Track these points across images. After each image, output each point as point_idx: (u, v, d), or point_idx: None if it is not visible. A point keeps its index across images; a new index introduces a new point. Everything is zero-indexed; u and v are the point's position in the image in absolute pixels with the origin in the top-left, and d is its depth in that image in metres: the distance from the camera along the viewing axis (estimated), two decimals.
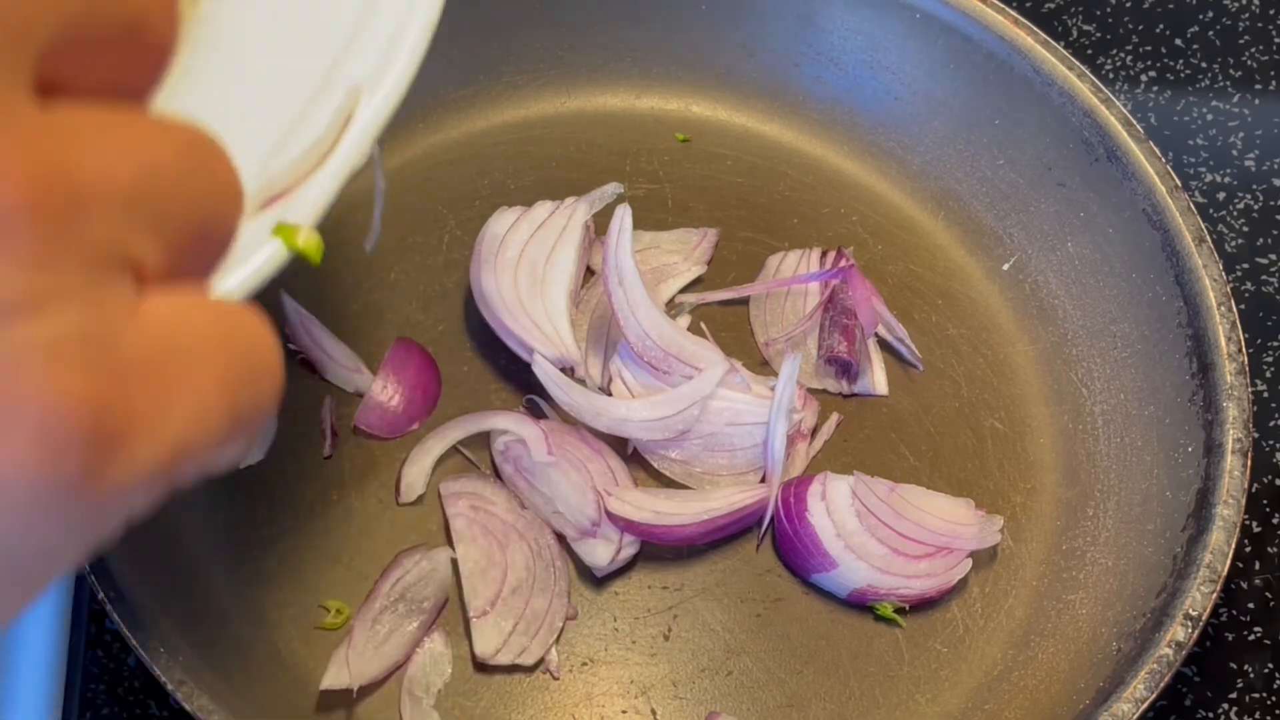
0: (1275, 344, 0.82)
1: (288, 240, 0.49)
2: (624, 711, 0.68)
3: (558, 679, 0.69)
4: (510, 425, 0.73)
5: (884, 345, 0.79)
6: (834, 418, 0.76)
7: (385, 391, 0.75)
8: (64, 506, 0.25)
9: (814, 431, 0.76)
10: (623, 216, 0.74)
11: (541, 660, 0.69)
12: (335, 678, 0.66)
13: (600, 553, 0.71)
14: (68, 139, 0.26)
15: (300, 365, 0.76)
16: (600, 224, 0.79)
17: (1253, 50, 0.93)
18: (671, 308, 0.79)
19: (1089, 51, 0.92)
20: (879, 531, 0.71)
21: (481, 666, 0.69)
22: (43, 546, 0.26)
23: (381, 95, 0.54)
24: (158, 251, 0.28)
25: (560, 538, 0.72)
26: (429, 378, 0.76)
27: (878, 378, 0.78)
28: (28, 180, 0.25)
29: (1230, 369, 0.70)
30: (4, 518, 0.25)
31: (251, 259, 0.49)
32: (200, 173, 0.29)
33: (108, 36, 0.28)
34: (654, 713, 0.69)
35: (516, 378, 0.76)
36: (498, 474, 0.73)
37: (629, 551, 0.71)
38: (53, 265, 0.25)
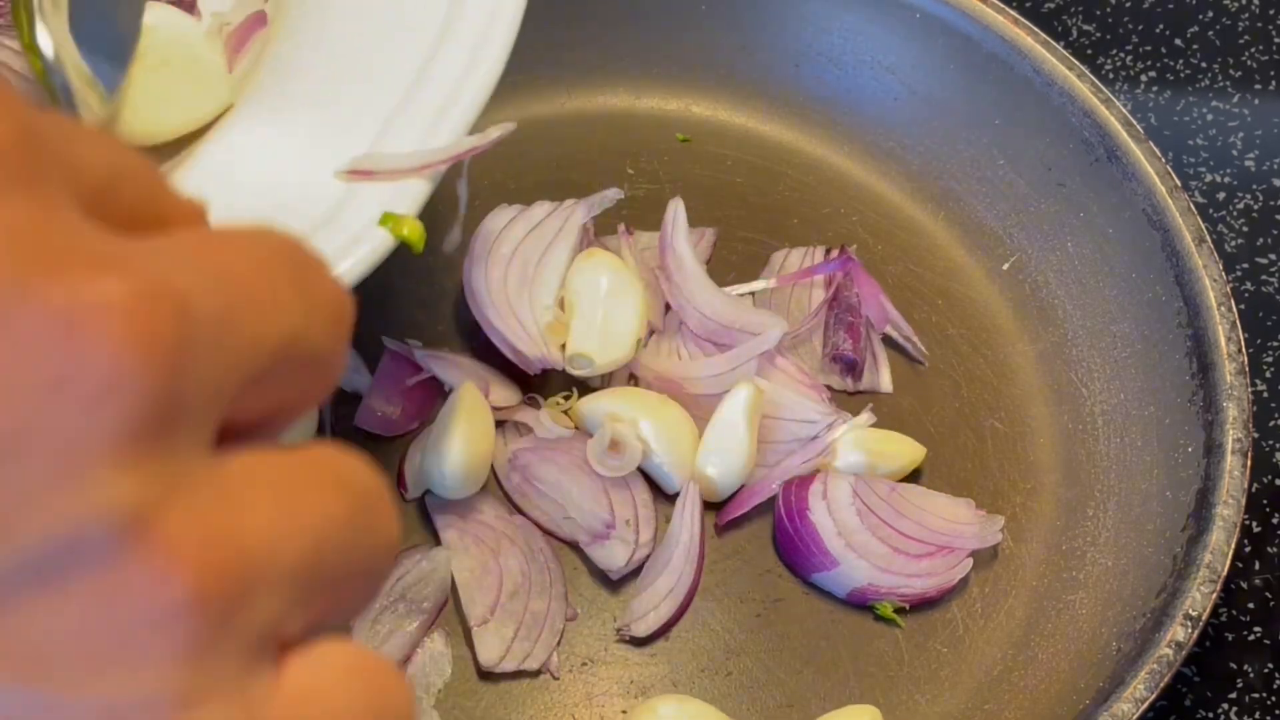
0: (1275, 344, 0.82)
1: (394, 229, 0.51)
2: (623, 712, 0.68)
3: (558, 679, 0.69)
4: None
5: (889, 343, 0.79)
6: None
7: (384, 392, 0.75)
8: None
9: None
10: (676, 209, 0.78)
11: (545, 664, 0.69)
12: None
13: (617, 554, 0.71)
14: (243, 506, 0.24)
15: None
16: (601, 227, 0.79)
17: (1253, 50, 0.93)
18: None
19: (1089, 51, 0.92)
20: (880, 530, 0.71)
21: (486, 674, 0.69)
22: None
23: (470, 93, 0.55)
24: (309, 618, 0.26)
25: (566, 543, 0.72)
26: (428, 378, 0.76)
27: (883, 376, 0.78)
28: (199, 568, 0.23)
29: (1230, 369, 0.70)
30: None
31: (360, 248, 0.50)
32: (368, 532, 0.26)
33: (289, 374, 0.26)
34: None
35: (517, 377, 0.76)
36: (500, 485, 0.73)
37: (644, 552, 0.71)
38: (210, 660, 0.23)
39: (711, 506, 0.73)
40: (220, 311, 0.23)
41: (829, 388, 0.77)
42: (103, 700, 0.23)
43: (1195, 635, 0.64)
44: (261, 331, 0.24)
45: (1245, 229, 0.86)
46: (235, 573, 0.23)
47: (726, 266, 0.81)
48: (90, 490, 0.21)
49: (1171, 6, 0.94)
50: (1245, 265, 0.84)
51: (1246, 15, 0.94)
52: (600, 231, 0.79)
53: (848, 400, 0.77)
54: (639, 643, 0.70)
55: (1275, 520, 0.77)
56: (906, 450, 0.74)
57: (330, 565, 0.25)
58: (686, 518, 0.71)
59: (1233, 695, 0.72)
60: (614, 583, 0.72)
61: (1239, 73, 0.92)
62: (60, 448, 0.21)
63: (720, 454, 0.72)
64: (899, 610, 0.71)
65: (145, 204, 0.25)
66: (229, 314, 0.23)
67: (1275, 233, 0.86)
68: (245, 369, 0.24)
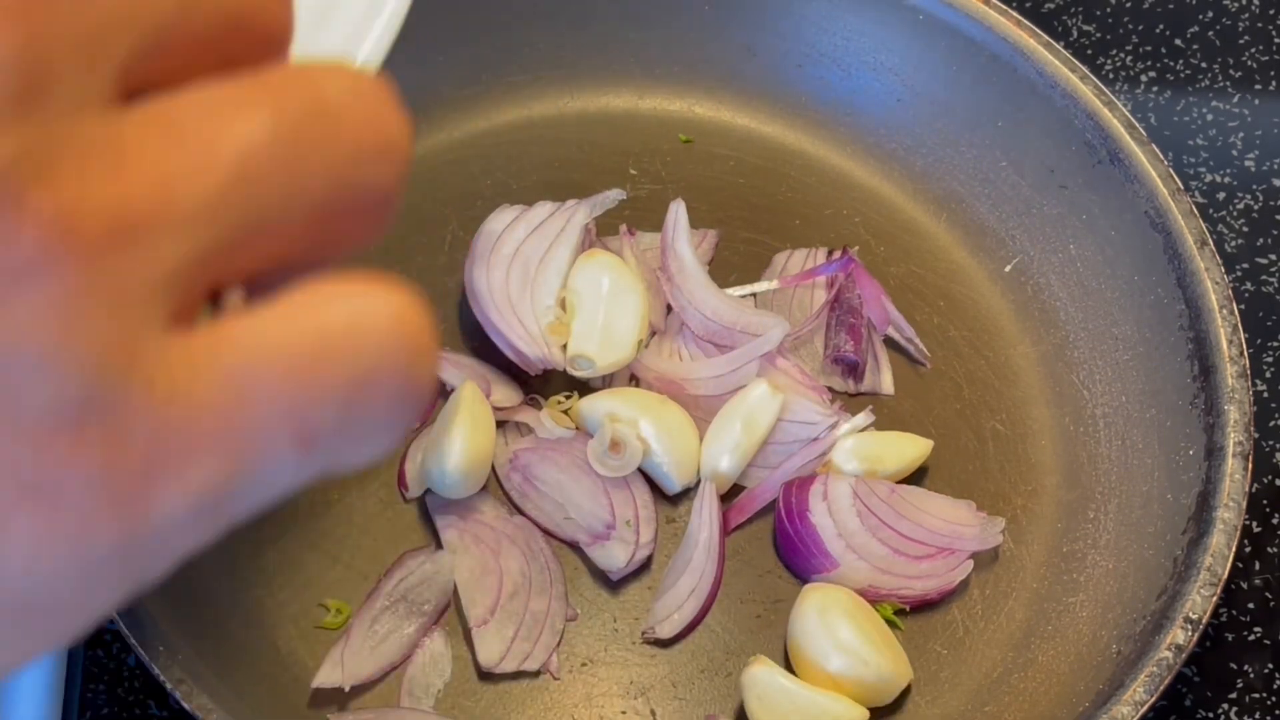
0: (1275, 344, 0.82)
1: None
2: (623, 712, 0.69)
3: (558, 679, 0.69)
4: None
5: (891, 344, 0.79)
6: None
7: None
8: (89, 553, 0.23)
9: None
10: (678, 209, 0.78)
11: (545, 665, 0.69)
12: (328, 676, 0.66)
13: (617, 554, 0.71)
14: (135, 151, 0.23)
15: None
16: (602, 227, 0.79)
17: (1253, 50, 0.93)
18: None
19: (1089, 52, 0.92)
20: (880, 532, 0.71)
21: (486, 675, 0.69)
22: (55, 596, 0.23)
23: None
24: (258, 259, 0.24)
25: (566, 544, 0.72)
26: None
27: (884, 378, 0.78)
28: (56, 220, 0.22)
29: (1232, 372, 0.70)
30: (7, 558, 0.22)
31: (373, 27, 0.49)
32: (325, 143, 0.25)
33: (206, 35, 0.24)
34: (653, 713, 0.69)
35: (518, 377, 0.76)
36: (500, 485, 0.73)
37: (644, 552, 0.71)
38: (89, 317, 0.22)
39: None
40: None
41: (830, 389, 0.77)
42: None
43: (1195, 638, 0.64)
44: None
45: (1245, 229, 0.86)
46: (111, 228, 0.22)
47: (728, 267, 0.81)
48: None
49: (1171, 6, 0.94)
50: (1245, 265, 0.85)
51: (1246, 15, 0.94)
52: (602, 232, 0.79)
53: (849, 402, 0.77)
54: (662, 644, 0.70)
55: (1275, 520, 0.77)
56: (910, 448, 0.74)
57: (264, 191, 0.24)
58: (705, 516, 0.71)
59: (1233, 695, 0.72)
60: (614, 583, 0.72)
61: (1239, 73, 0.92)
62: None
63: (733, 450, 0.73)
64: (899, 612, 0.71)
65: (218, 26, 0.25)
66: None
67: (1275, 233, 0.86)
68: (145, 18, 0.24)
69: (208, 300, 0.25)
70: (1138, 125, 0.77)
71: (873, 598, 0.71)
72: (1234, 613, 0.74)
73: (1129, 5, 0.94)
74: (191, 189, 0.23)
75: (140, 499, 0.23)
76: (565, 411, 0.74)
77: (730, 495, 0.74)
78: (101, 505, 0.23)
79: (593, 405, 0.73)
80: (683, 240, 0.78)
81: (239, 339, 0.24)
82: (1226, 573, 0.66)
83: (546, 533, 0.72)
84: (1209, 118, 0.90)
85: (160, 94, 0.24)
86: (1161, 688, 0.63)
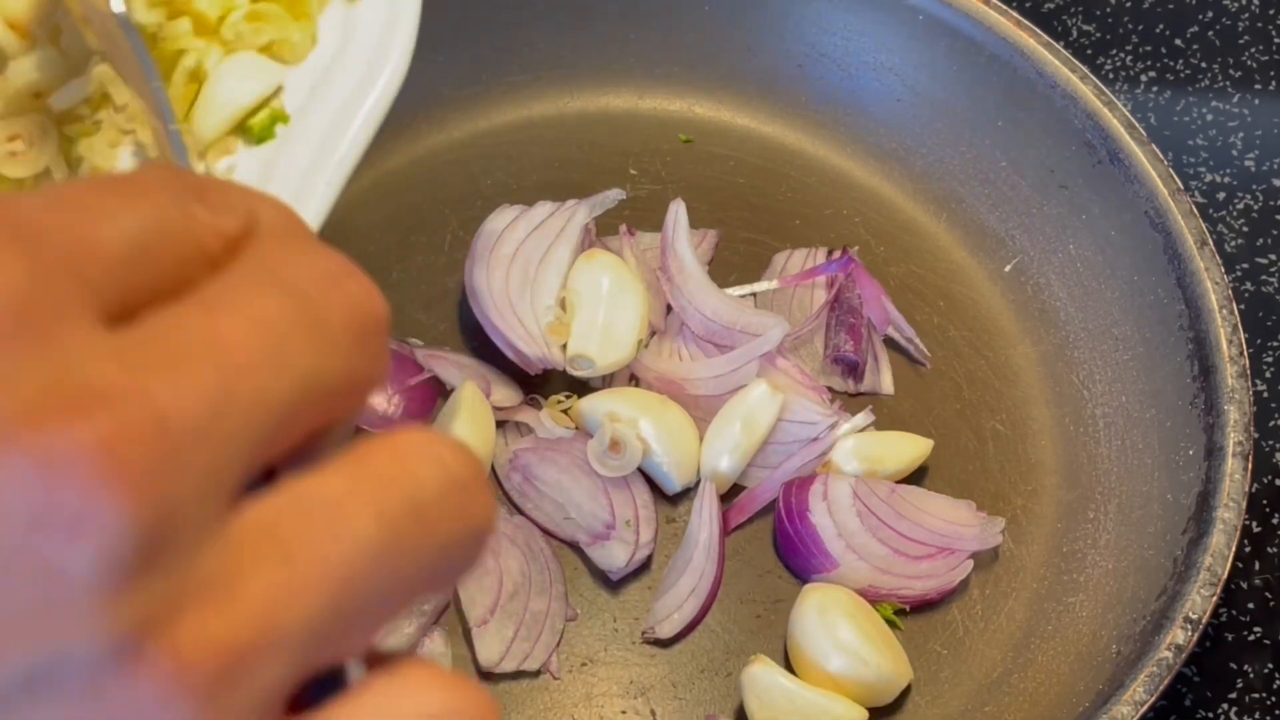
0: (1275, 344, 0.82)
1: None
2: (623, 712, 0.69)
3: (558, 679, 0.69)
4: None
5: (891, 344, 0.79)
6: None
7: (384, 392, 0.75)
8: None
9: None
10: (678, 209, 0.78)
11: (545, 665, 0.69)
12: None
13: (617, 554, 0.71)
14: (244, 583, 0.24)
15: None
16: (602, 227, 0.79)
17: (1253, 50, 0.93)
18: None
19: (1089, 51, 0.92)
20: (880, 532, 0.71)
21: (486, 675, 0.69)
22: None
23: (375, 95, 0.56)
24: (345, 649, 0.26)
25: (566, 544, 0.72)
26: (429, 378, 0.76)
27: (884, 378, 0.78)
28: (182, 676, 0.23)
29: (1232, 372, 0.70)
30: None
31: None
32: (424, 537, 0.26)
33: (318, 407, 0.26)
34: (653, 713, 0.69)
35: (519, 377, 0.76)
36: (500, 485, 0.73)
37: (644, 552, 0.71)
38: None
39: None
40: (210, 405, 0.24)
41: (830, 389, 0.77)
42: None
43: (1195, 638, 0.64)
44: (265, 396, 0.25)
45: (1245, 229, 0.86)
46: (224, 666, 0.24)
47: (728, 267, 0.81)
48: (71, 621, 0.23)
49: (1171, 6, 0.94)
50: (1245, 265, 0.85)
51: (1246, 15, 0.94)
52: (602, 232, 0.79)
53: (849, 402, 0.77)
54: (662, 644, 0.70)
55: (1275, 520, 0.77)
56: (910, 448, 0.74)
57: (366, 595, 0.25)
58: (705, 516, 0.71)
59: (1233, 695, 0.72)
60: (614, 583, 0.72)
61: (1239, 73, 0.92)
62: (41, 581, 0.23)
63: (733, 450, 0.73)
64: (899, 612, 0.71)
65: (184, 255, 0.26)
66: (222, 402, 0.24)
67: (1275, 233, 0.86)
68: (254, 437, 0.25)
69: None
70: (1138, 125, 0.77)
71: (873, 598, 0.71)
72: (1234, 613, 0.74)
73: (1129, 5, 0.94)
74: (298, 613, 0.25)
75: None
76: (565, 411, 0.74)
77: (730, 495, 0.74)
78: None
79: (593, 405, 0.73)
80: (683, 240, 0.78)
81: None
82: (1226, 573, 0.66)
83: (546, 533, 0.72)
84: (1209, 118, 0.90)
85: (262, 490, 0.25)
86: (1161, 688, 0.63)
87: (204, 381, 0.24)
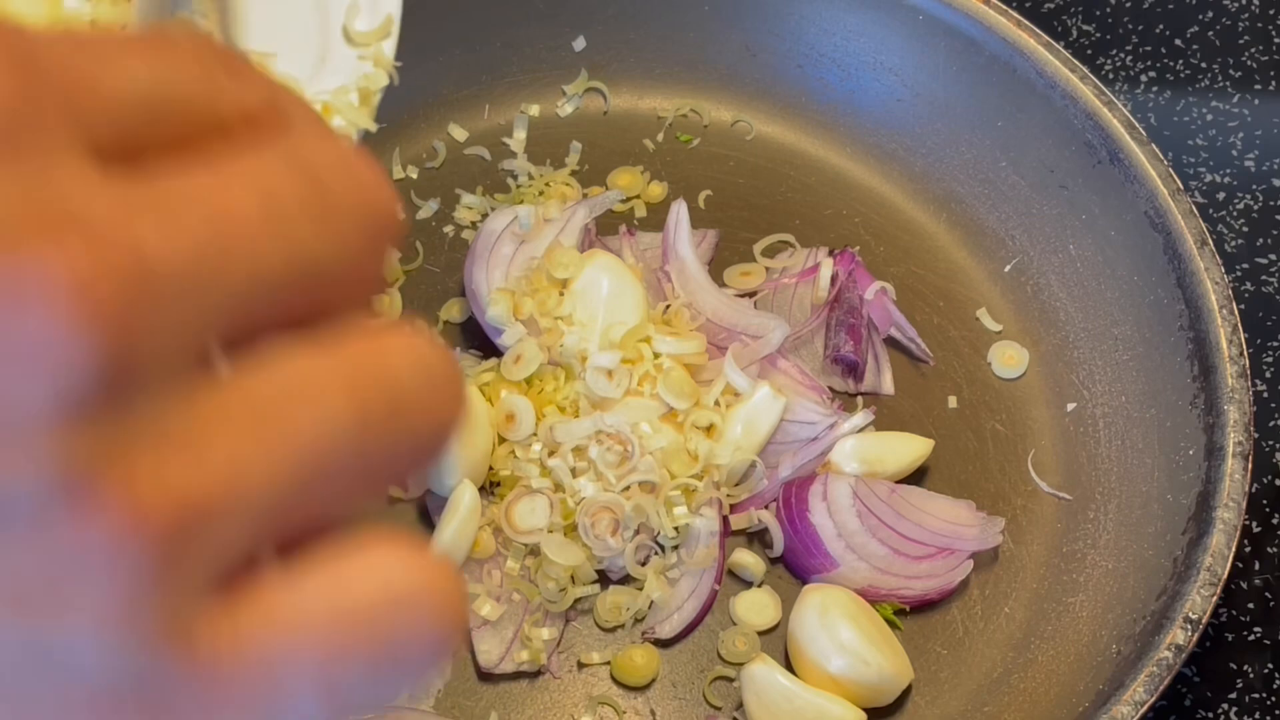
0: (1275, 344, 0.82)
1: None
2: (624, 712, 0.69)
3: (558, 679, 0.69)
4: None
5: (892, 344, 0.79)
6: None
7: None
8: None
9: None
10: (678, 210, 0.78)
11: (545, 665, 0.69)
12: None
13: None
14: (205, 443, 0.24)
15: None
16: (602, 227, 0.79)
17: (1253, 50, 0.93)
18: None
19: (1089, 52, 0.92)
20: (880, 532, 0.71)
21: (486, 675, 0.69)
22: None
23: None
24: (306, 520, 0.25)
25: None
26: None
27: (885, 378, 0.78)
28: (131, 518, 0.23)
29: (1231, 372, 0.70)
30: None
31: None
32: (389, 422, 0.25)
33: (301, 297, 0.25)
34: (653, 713, 0.69)
35: None
36: None
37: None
38: (155, 602, 0.23)
39: None
40: (197, 257, 0.23)
41: (830, 389, 0.77)
42: (35, 637, 0.23)
43: (1195, 638, 0.64)
44: (256, 264, 0.24)
45: (1245, 229, 0.86)
46: (181, 520, 0.23)
47: (728, 267, 0.81)
48: (20, 454, 0.22)
49: (1171, 6, 0.94)
50: (1245, 265, 0.85)
51: (1246, 15, 0.94)
52: (602, 232, 0.79)
53: (849, 402, 0.77)
54: (662, 644, 0.70)
55: (1275, 520, 0.77)
56: (910, 448, 0.74)
57: (331, 471, 0.25)
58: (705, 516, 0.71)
59: (1233, 695, 0.72)
60: (614, 583, 0.72)
61: (1239, 73, 0.92)
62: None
63: (734, 451, 0.73)
64: (899, 612, 0.71)
65: (198, 119, 0.25)
66: (211, 257, 0.24)
67: (1275, 233, 0.86)
68: (237, 299, 0.24)
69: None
70: (1138, 125, 0.77)
71: (873, 598, 0.71)
72: (1234, 613, 0.74)
73: (1129, 5, 0.94)
74: (263, 479, 0.24)
75: None
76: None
77: None
78: None
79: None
80: (684, 240, 0.78)
81: (276, 612, 0.25)
82: (1226, 573, 0.66)
83: None
84: (1209, 118, 0.90)
85: (240, 361, 0.25)
86: (1161, 688, 0.63)
87: (195, 233, 0.23)
